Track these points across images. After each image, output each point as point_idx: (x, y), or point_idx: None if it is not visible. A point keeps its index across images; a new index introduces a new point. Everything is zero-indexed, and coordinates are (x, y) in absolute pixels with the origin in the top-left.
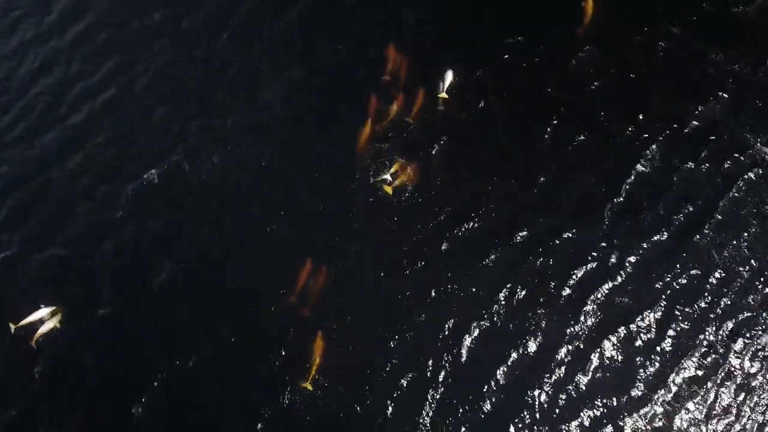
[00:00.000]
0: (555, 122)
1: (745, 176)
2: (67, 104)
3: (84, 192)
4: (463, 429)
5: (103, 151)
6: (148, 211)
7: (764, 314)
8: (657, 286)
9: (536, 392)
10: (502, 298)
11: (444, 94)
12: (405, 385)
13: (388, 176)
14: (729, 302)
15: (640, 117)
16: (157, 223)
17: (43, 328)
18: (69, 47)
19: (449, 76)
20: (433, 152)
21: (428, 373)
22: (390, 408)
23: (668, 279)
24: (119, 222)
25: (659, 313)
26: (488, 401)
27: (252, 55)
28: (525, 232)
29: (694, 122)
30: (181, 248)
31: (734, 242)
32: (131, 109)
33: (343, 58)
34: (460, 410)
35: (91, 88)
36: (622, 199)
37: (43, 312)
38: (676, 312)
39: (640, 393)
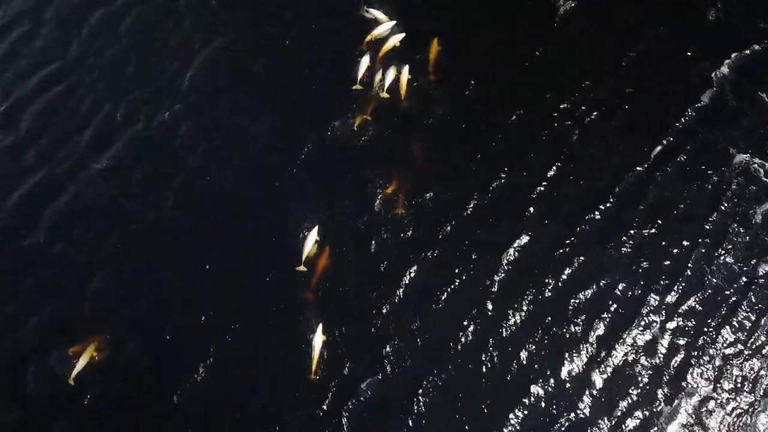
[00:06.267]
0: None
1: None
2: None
3: (41, 192)
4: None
5: (57, 149)
6: (119, 204)
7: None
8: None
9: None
10: (508, 288)
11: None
12: (409, 375)
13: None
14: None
15: (619, 105)
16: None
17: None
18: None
19: (390, 74)
20: (424, 146)
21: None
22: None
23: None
24: (85, 220)
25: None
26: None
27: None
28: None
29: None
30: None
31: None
32: (82, 104)
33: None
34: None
35: (31, 90)
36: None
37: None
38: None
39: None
